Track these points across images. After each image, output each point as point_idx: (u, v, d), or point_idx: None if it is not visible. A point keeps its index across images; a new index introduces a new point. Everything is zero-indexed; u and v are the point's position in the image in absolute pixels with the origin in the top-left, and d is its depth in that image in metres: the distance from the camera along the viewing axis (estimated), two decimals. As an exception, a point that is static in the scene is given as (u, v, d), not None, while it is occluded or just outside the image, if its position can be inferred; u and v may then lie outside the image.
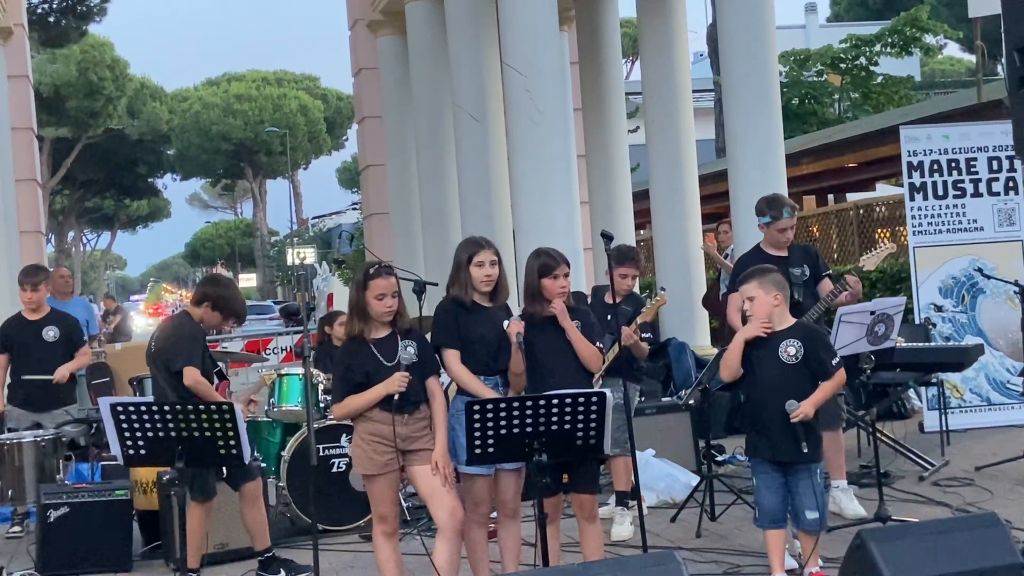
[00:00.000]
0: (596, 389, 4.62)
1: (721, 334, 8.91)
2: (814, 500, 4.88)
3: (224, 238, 74.71)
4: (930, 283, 8.96)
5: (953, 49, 44.19)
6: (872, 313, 6.10)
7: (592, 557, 4.85)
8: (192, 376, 5.60)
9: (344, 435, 6.76)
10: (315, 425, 6.29)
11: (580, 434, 4.45)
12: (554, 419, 4.38)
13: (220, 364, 6.64)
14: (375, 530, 4.81)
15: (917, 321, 8.88)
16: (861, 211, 13.98)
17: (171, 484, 5.42)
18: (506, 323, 4.84)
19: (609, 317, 5.95)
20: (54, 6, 29.78)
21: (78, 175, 47.60)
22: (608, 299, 6.24)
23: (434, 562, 4.64)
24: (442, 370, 4.96)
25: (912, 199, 9.01)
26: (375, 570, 4.92)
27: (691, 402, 7.29)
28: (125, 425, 4.85)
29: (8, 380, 7.73)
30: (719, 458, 7.73)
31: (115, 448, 4.95)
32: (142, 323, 71.53)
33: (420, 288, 5.22)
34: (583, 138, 13.33)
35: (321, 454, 6.76)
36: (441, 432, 4.71)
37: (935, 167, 8.98)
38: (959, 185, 8.97)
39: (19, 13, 15.15)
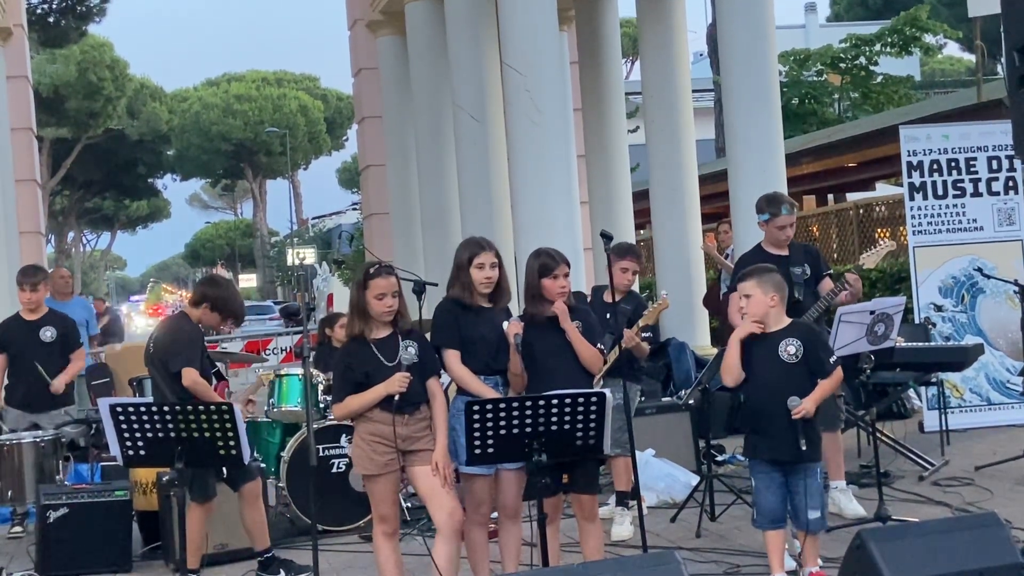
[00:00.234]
0: (596, 389, 4.62)
1: (721, 334, 8.91)
2: (814, 500, 4.87)
3: (224, 238, 74.72)
4: (930, 283, 8.95)
5: (953, 49, 44.21)
6: (872, 313, 6.10)
7: (592, 557, 4.85)
8: (190, 377, 5.59)
9: (344, 435, 6.76)
10: (315, 425, 6.29)
11: (580, 434, 4.45)
12: (554, 419, 4.38)
13: (219, 365, 6.64)
14: (375, 530, 4.81)
15: (917, 321, 8.87)
16: (861, 211, 13.98)
17: (171, 485, 5.42)
18: (505, 323, 4.84)
19: (609, 316, 5.95)
20: (54, 6, 29.78)
21: (78, 175, 47.60)
22: (607, 298, 6.24)
23: (434, 562, 4.64)
24: (442, 370, 4.96)
25: (912, 199, 9.01)
26: (375, 570, 4.92)
27: (691, 402, 7.28)
28: (125, 426, 4.86)
29: (6, 381, 7.73)
30: (719, 458, 7.73)
31: (115, 449, 4.95)
32: (142, 324, 71.65)
33: (420, 288, 5.22)
34: (583, 138, 13.33)
35: (321, 454, 6.76)
36: (441, 433, 4.71)
37: (935, 167, 8.98)
38: (959, 185, 8.97)
39: (19, 13, 15.15)
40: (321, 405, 7.07)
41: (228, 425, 4.86)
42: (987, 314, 8.95)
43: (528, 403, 4.36)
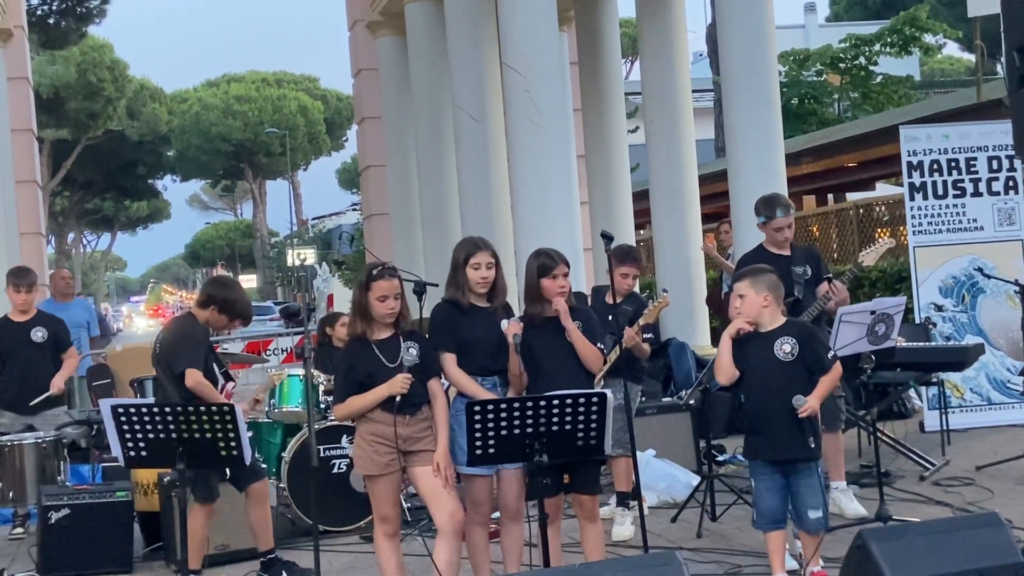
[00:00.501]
0: (597, 389, 4.62)
1: (722, 334, 8.90)
2: (816, 499, 4.88)
3: (224, 239, 74.74)
4: (930, 283, 8.96)
5: (952, 48, 44.18)
6: (872, 313, 6.11)
7: (593, 557, 4.85)
8: (193, 378, 5.60)
9: (345, 436, 6.76)
10: (316, 426, 6.29)
11: (580, 435, 4.45)
12: (554, 420, 4.38)
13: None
14: (376, 531, 4.82)
15: (917, 321, 8.88)
16: (861, 211, 13.98)
17: (172, 485, 5.42)
18: (504, 323, 4.84)
19: (611, 317, 5.95)
20: (54, 8, 29.79)
21: (78, 176, 47.63)
22: (608, 299, 6.24)
23: (435, 563, 4.64)
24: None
25: (912, 199, 9.01)
26: (376, 571, 4.92)
27: (691, 402, 7.29)
28: (126, 426, 4.86)
29: None
30: (720, 458, 7.73)
31: (116, 449, 4.96)
32: (143, 324, 71.64)
33: (421, 289, 5.23)
34: (583, 138, 13.33)
35: (322, 455, 6.76)
36: (443, 433, 4.71)
37: (935, 167, 8.98)
38: (959, 185, 8.97)
39: (19, 15, 15.16)
40: (322, 406, 7.08)
41: (229, 426, 4.86)
42: (987, 314, 8.95)
43: (529, 403, 4.36)
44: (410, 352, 4.69)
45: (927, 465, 7.32)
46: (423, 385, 4.71)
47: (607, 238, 5.42)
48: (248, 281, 68.84)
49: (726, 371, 5.01)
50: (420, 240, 13.29)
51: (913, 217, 9.00)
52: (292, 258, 50.32)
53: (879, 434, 6.79)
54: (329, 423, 6.86)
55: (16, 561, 6.67)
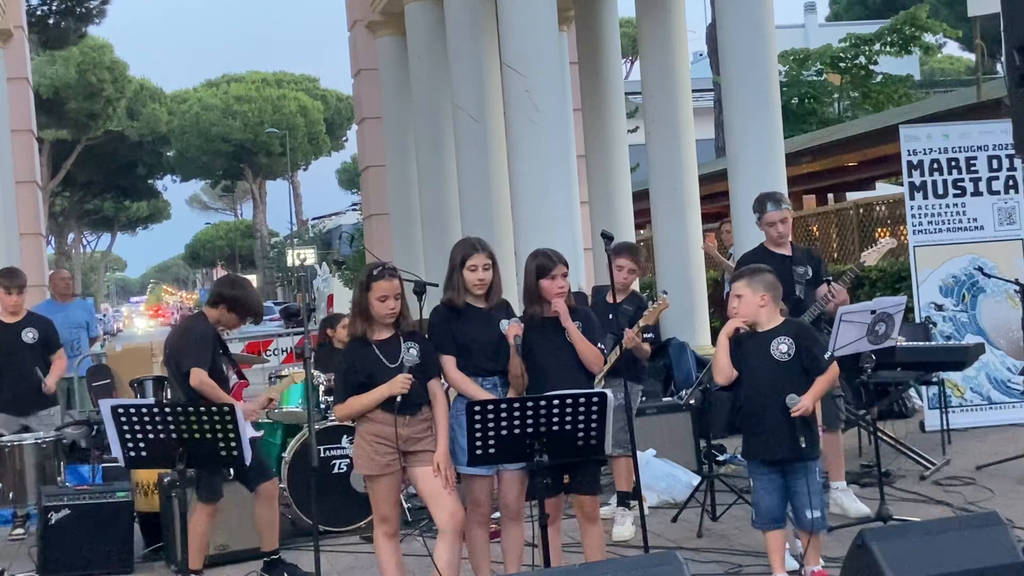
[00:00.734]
0: (597, 389, 4.62)
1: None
2: (814, 499, 4.88)
3: (224, 239, 74.75)
4: (930, 282, 8.95)
5: (952, 48, 44.20)
6: (873, 312, 6.10)
7: (593, 557, 4.85)
8: (198, 377, 5.60)
9: (345, 436, 6.76)
10: (316, 426, 6.29)
11: (581, 435, 4.45)
12: (555, 420, 4.38)
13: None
14: (376, 531, 4.82)
15: (918, 320, 8.87)
16: (861, 210, 13.98)
17: (172, 486, 5.41)
18: (504, 323, 4.84)
19: (611, 317, 5.94)
20: (53, 8, 29.80)
21: (78, 177, 47.66)
22: (609, 298, 6.24)
23: (435, 563, 4.64)
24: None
25: (912, 198, 9.01)
26: (376, 571, 4.92)
27: (692, 402, 7.28)
28: (126, 427, 4.86)
29: None
30: (720, 458, 7.72)
31: (116, 450, 4.95)
32: (143, 325, 71.63)
33: (421, 289, 5.23)
34: (583, 138, 13.32)
35: (322, 455, 6.76)
36: (443, 434, 4.72)
37: (935, 166, 8.97)
38: (959, 184, 8.97)
39: (18, 15, 15.15)
40: (322, 406, 7.07)
41: (229, 426, 4.86)
42: (988, 313, 8.94)
43: (529, 404, 4.36)
44: (410, 352, 4.69)
45: (927, 465, 7.32)
46: (423, 385, 4.71)
47: (607, 238, 5.42)
48: (248, 281, 68.74)
49: (724, 371, 5.02)
50: (420, 240, 13.29)
51: (913, 216, 9.00)
52: (292, 258, 50.33)
53: (879, 434, 6.79)
54: (329, 423, 6.86)
55: (16, 562, 6.66)
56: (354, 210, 49.78)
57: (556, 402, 4.37)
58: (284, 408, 7.07)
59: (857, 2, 46.68)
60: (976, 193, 8.97)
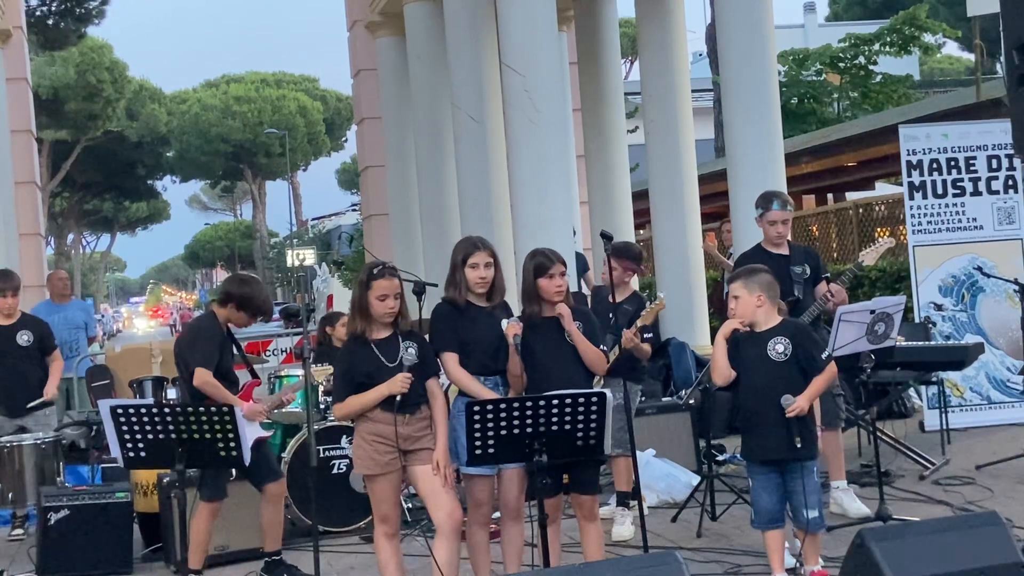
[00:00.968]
0: (596, 389, 4.62)
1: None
2: (812, 498, 4.88)
3: (224, 240, 74.74)
4: (930, 282, 8.95)
5: (952, 48, 44.23)
6: (872, 312, 6.10)
7: (593, 557, 4.85)
8: (200, 377, 5.60)
9: (344, 436, 6.76)
10: (315, 427, 6.29)
11: (580, 434, 4.45)
12: (554, 419, 4.38)
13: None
14: (376, 531, 4.82)
15: (917, 320, 8.87)
16: (860, 210, 13.98)
17: (171, 486, 5.41)
18: (504, 323, 4.84)
19: (611, 316, 5.94)
20: (53, 8, 29.79)
21: (77, 177, 47.64)
22: (609, 299, 6.23)
23: (435, 561, 4.64)
24: (441, 371, 4.97)
25: (911, 198, 9.01)
26: (376, 571, 4.92)
27: (691, 402, 7.28)
28: (125, 427, 4.86)
29: None
30: (719, 458, 7.72)
31: (115, 450, 4.95)
32: (142, 325, 71.59)
33: (420, 289, 5.23)
34: (582, 138, 13.32)
35: (321, 455, 6.76)
36: (442, 432, 4.72)
37: (934, 166, 8.97)
38: (958, 184, 8.97)
39: (18, 15, 15.15)
40: (321, 406, 7.07)
41: (228, 427, 4.86)
42: (987, 313, 8.94)
43: (528, 403, 4.36)
44: (409, 352, 4.70)
45: (927, 464, 7.32)
46: (422, 385, 4.72)
47: (607, 238, 5.42)
48: (248, 282, 68.64)
49: (722, 372, 5.02)
50: (419, 240, 13.28)
51: (912, 216, 9.00)
52: (292, 259, 50.29)
53: (879, 433, 6.79)
54: (329, 423, 6.85)
55: (15, 562, 6.66)
56: (354, 210, 49.76)
57: (555, 402, 4.37)
58: (283, 408, 7.05)
59: (856, 2, 46.69)
60: (975, 193, 8.97)
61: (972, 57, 30.15)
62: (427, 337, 4.98)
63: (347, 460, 6.62)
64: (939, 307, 8.92)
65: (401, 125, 14.11)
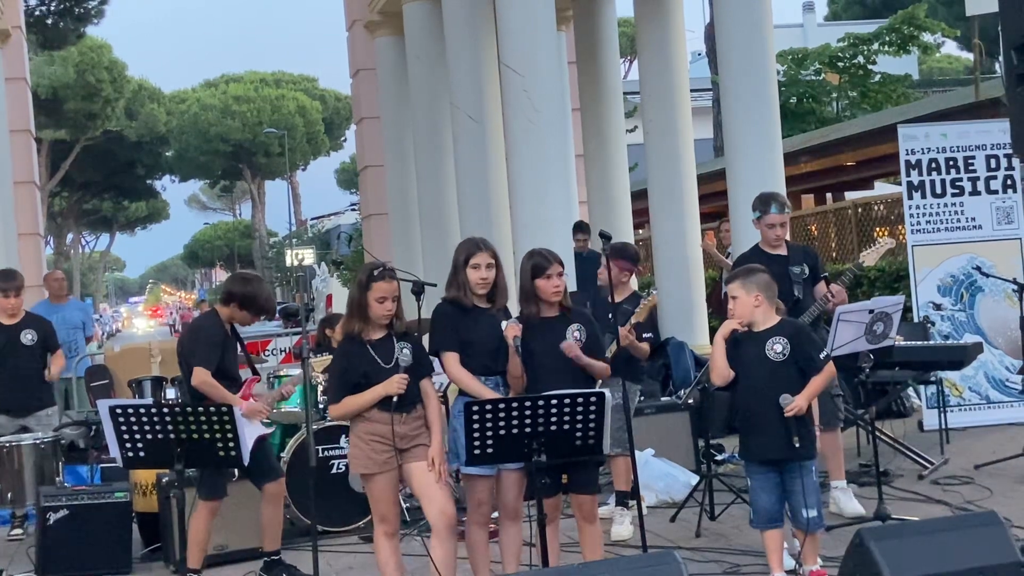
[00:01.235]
0: (595, 389, 4.62)
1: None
2: (811, 498, 4.88)
3: (223, 239, 74.72)
4: (929, 281, 8.95)
5: (951, 47, 44.19)
6: (871, 312, 6.09)
7: (591, 557, 4.85)
8: (199, 377, 5.61)
9: (343, 436, 6.75)
10: (314, 426, 6.29)
11: (579, 434, 4.45)
12: (553, 419, 4.38)
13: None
14: (376, 531, 4.82)
15: (916, 319, 8.87)
16: (859, 210, 13.98)
17: (170, 486, 5.41)
18: (504, 324, 4.84)
19: (611, 316, 5.94)
20: (52, 8, 29.76)
21: (76, 177, 47.60)
22: (608, 299, 6.23)
23: (432, 560, 4.65)
24: (439, 371, 4.97)
25: (910, 197, 9.01)
26: (375, 571, 4.92)
27: (690, 401, 7.28)
28: (124, 427, 4.86)
29: None
30: (718, 457, 7.73)
31: (114, 450, 4.96)
32: (142, 325, 71.55)
33: (419, 289, 5.23)
34: (581, 138, 13.31)
35: (320, 455, 6.76)
36: (436, 430, 4.74)
37: (933, 165, 8.97)
38: (957, 183, 8.97)
39: (17, 15, 15.14)
40: (320, 406, 7.07)
41: (227, 427, 4.86)
42: (986, 312, 8.95)
43: (527, 403, 4.37)
44: (404, 352, 4.74)
45: (926, 464, 7.32)
46: (417, 385, 4.75)
47: (605, 238, 5.43)
48: (247, 281, 68.56)
49: (720, 372, 5.02)
50: (419, 240, 13.27)
51: (911, 216, 9.00)
52: (291, 258, 50.30)
53: (878, 433, 6.79)
54: (328, 423, 6.85)
55: (15, 562, 6.65)
56: (353, 210, 49.72)
57: (554, 402, 4.38)
58: (282, 408, 7.06)
59: (855, 1, 46.68)
60: (974, 192, 8.97)
61: (971, 56, 30.17)
62: (427, 336, 4.99)
63: (346, 460, 6.62)
64: (938, 307, 8.92)
65: (400, 125, 14.10)
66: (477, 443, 4.36)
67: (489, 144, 11.10)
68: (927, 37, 24.31)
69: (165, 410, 4.90)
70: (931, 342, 8.48)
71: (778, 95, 10.08)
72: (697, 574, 5.30)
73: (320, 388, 7.14)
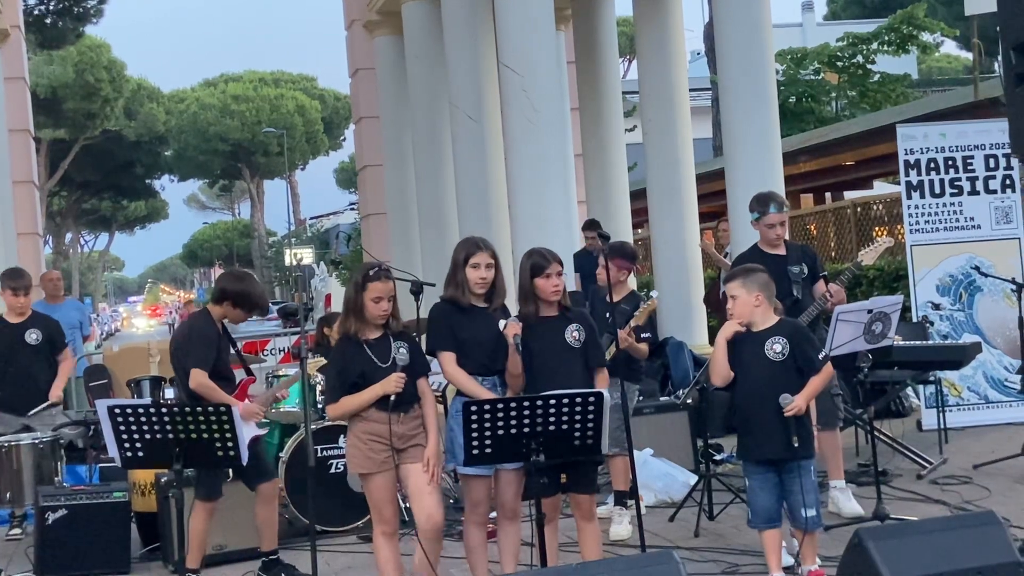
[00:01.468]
0: (594, 389, 4.62)
1: (719, 333, 8.89)
2: (809, 498, 4.88)
3: (222, 239, 74.69)
4: (927, 281, 8.96)
5: (950, 47, 44.18)
6: (869, 311, 6.09)
7: (590, 557, 4.85)
8: (196, 379, 5.60)
9: (342, 436, 6.74)
10: (313, 426, 6.28)
11: (578, 434, 4.44)
12: (552, 419, 4.38)
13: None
14: (375, 530, 4.83)
15: (915, 319, 8.88)
16: (858, 209, 13.98)
17: (169, 486, 5.41)
18: (503, 323, 4.84)
19: (609, 316, 5.94)
20: (51, 7, 29.74)
21: (75, 176, 47.56)
22: (607, 299, 6.23)
23: (426, 555, 4.66)
24: (436, 371, 4.97)
25: (909, 197, 9.01)
26: (373, 571, 4.92)
27: (689, 401, 7.28)
28: (123, 427, 4.85)
29: None
30: (717, 457, 7.72)
31: (113, 450, 4.95)
32: (142, 324, 71.51)
33: (417, 288, 5.23)
34: (580, 137, 13.32)
35: (319, 455, 6.76)
36: (432, 431, 4.76)
37: (932, 165, 8.98)
38: (956, 183, 8.97)
39: (15, 15, 15.15)
40: (319, 406, 7.06)
41: (226, 427, 4.86)
42: (985, 312, 8.95)
43: (526, 403, 4.36)
44: (401, 352, 4.75)
45: (924, 464, 7.32)
46: (413, 384, 4.76)
47: (604, 238, 5.42)
48: (246, 281, 68.52)
49: (721, 373, 5.02)
50: (418, 239, 13.28)
51: (910, 215, 9.00)
52: (290, 258, 50.25)
53: (876, 433, 6.79)
54: (327, 423, 6.85)
55: (13, 562, 6.66)
56: (352, 210, 49.69)
57: (553, 401, 4.37)
58: (281, 408, 7.06)
59: (854, 1, 46.67)
60: (973, 192, 8.97)
61: (970, 56, 30.17)
62: (424, 336, 4.99)
63: (344, 459, 6.61)
64: (937, 306, 8.92)
65: (399, 124, 14.10)
66: (476, 443, 4.35)
67: (488, 144, 11.10)
68: (926, 37, 24.29)
69: (164, 410, 4.89)
70: (930, 342, 8.48)
71: (777, 95, 10.08)
72: (696, 574, 5.29)
73: (319, 388, 7.14)
